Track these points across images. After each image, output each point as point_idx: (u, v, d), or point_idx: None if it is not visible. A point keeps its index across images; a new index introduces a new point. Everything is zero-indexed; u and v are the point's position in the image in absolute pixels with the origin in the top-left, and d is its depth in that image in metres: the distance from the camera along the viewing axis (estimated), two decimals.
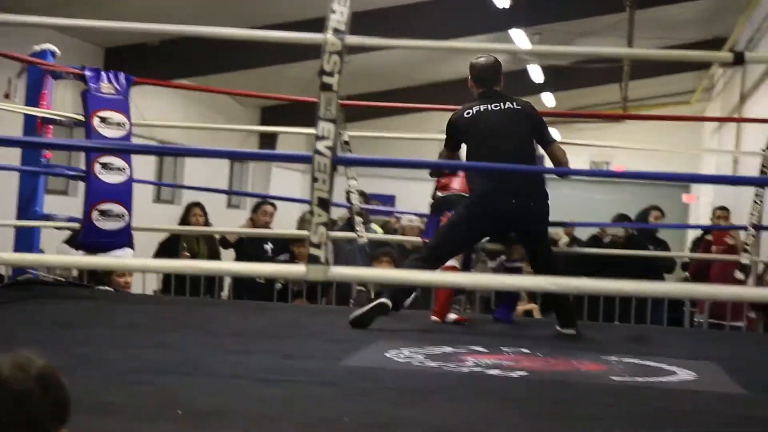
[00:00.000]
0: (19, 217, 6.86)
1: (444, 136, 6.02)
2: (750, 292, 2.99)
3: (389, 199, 17.64)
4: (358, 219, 6.52)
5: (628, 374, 4.36)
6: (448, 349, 4.86)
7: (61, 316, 5.54)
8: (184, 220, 9.45)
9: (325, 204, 2.91)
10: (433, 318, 6.18)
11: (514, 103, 5.91)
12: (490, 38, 13.70)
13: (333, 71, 2.92)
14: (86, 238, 6.43)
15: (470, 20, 12.16)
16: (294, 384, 3.69)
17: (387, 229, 11.71)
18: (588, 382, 4.15)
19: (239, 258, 9.09)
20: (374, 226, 9.17)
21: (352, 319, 5.60)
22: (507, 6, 12.03)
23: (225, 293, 9.36)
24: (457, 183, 6.37)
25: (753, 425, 3.48)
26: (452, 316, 6.19)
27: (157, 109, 14.71)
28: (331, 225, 9.60)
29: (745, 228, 6.47)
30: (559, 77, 17.43)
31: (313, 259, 2.94)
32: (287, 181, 18.76)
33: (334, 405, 3.36)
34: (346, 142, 6.44)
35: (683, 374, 4.44)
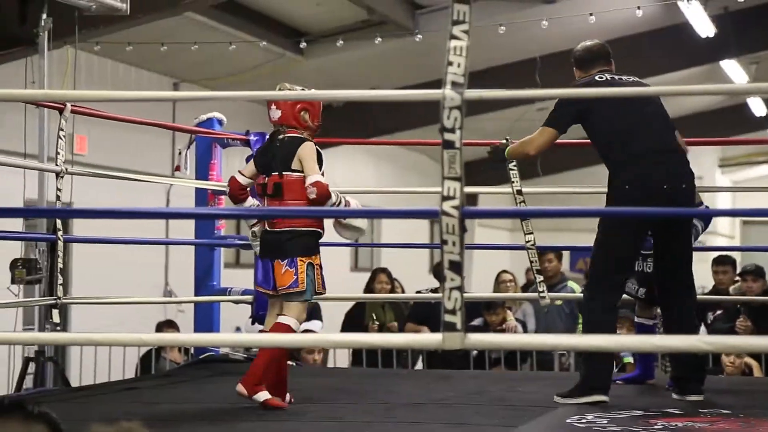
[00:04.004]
0: (197, 292, 7.18)
1: None
2: None
3: None
4: (539, 278, 6.53)
5: None
6: (638, 413, 4.85)
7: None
8: (369, 288, 9.63)
9: (457, 267, 3.02)
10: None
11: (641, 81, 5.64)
12: (698, 72, 13.45)
13: (454, 127, 3.06)
14: (259, 311, 6.60)
15: (671, 55, 11.97)
16: None
17: None
18: None
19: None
20: (571, 284, 9.12)
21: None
22: (711, 35, 11.63)
23: (420, 364, 9.45)
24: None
25: None
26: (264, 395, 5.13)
27: (348, 170, 15.17)
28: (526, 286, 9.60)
29: None
30: None
31: (448, 327, 3.04)
32: (490, 239, 18.73)
33: None
34: (519, 192, 6.38)
35: None
